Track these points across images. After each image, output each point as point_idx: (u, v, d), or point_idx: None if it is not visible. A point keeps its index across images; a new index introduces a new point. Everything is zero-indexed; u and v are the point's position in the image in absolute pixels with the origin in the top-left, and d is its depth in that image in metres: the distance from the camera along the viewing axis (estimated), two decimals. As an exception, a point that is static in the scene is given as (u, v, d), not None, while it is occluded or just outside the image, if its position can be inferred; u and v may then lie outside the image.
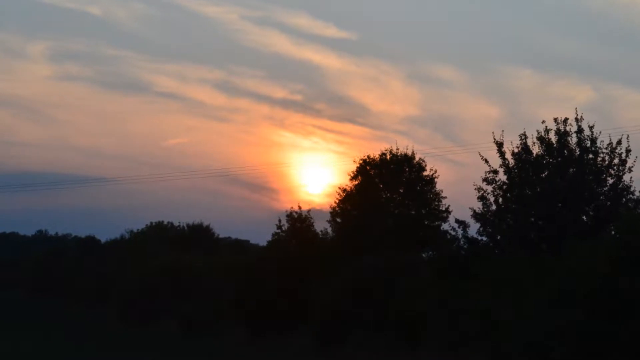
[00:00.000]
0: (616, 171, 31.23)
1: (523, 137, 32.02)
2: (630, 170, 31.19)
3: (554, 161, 31.55)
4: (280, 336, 38.25)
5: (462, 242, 33.06)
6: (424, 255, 38.01)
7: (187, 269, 48.91)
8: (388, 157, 41.25)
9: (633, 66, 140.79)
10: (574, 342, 23.04)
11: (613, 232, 28.23)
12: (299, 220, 42.11)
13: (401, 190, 40.75)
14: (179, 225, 74.28)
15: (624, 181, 31.22)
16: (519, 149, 32.03)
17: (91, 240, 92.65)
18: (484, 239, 32.40)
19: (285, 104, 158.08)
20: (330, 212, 41.74)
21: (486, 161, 32.37)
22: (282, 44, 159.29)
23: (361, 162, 41.43)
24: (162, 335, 44.84)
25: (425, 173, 41.05)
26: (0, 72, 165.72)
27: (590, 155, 31.35)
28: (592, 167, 31.29)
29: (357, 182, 41.29)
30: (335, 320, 33.50)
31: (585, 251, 24.26)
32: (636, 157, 31.26)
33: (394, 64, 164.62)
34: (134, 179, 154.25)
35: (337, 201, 41.53)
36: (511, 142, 32.15)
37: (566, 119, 31.61)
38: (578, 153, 31.42)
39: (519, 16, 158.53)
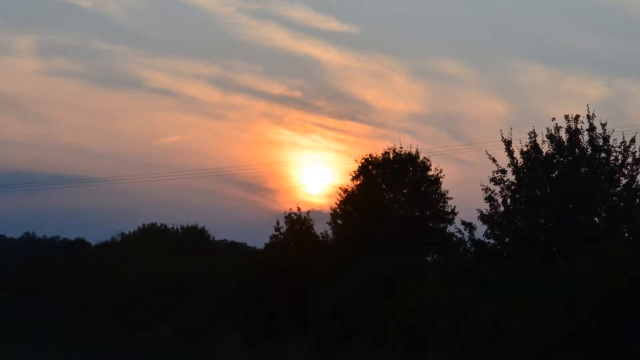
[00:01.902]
0: (630, 171, 30.56)
1: (532, 135, 31.31)
2: (644, 169, 30.63)
3: (565, 160, 30.89)
4: (278, 343, 37.78)
5: (468, 245, 32.31)
6: (428, 258, 37.43)
7: (182, 273, 48.36)
8: (391, 156, 40.53)
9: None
10: (586, 347, 22.31)
11: (626, 235, 27.87)
12: (298, 222, 41.47)
13: (405, 191, 40.08)
14: (172, 228, 73.89)
15: (638, 181, 30.58)
16: (528, 147, 31.34)
17: (81, 243, 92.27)
18: (492, 241, 31.71)
19: (284, 100, 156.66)
20: (331, 214, 41.10)
21: (494, 160, 31.68)
22: (280, 38, 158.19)
23: (363, 161, 40.70)
24: (156, 341, 44.54)
25: (430, 173, 40.40)
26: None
27: (603, 154, 30.67)
28: (604, 166, 30.63)
29: (358, 182, 40.55)
30: (336, 326, 32.82)
31: (597, 254, 23.61)
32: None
33: (398, 59, 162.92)
34: (125, 179, 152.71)
35: (337, 202, 40.83)
36: (520, 141, 31.50)
37: (577, 116, 30.93)
38: (590, 152, 30.76)
39: (528, 9, 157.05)
